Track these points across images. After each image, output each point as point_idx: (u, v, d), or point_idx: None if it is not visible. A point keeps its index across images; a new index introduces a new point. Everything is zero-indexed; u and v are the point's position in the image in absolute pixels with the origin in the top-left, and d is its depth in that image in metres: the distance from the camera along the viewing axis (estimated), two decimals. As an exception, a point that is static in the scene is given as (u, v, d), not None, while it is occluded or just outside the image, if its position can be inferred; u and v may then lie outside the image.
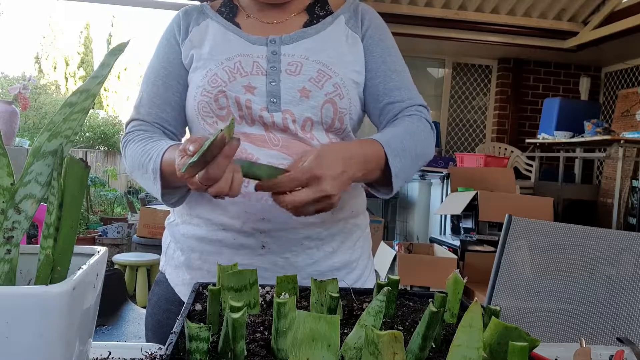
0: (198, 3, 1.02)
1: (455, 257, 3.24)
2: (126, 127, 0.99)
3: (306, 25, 0.97)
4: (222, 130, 0.66)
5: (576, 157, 4.92)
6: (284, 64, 0.91)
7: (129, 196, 5.83)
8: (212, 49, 0.93)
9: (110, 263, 3.98)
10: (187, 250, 0.95)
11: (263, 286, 0.72)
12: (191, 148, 0.69)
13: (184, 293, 0.96)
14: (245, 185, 0.88)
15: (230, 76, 0.90)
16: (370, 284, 1.01)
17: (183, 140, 1.04)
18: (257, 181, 0.76)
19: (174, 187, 0.88)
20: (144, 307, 1.05)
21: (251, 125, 0.90)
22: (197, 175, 0.70)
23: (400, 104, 0.96)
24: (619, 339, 0.84)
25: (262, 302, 0.69)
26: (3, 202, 0.46)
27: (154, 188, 0.86)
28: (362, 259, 1.01)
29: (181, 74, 0.97)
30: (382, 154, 0.84)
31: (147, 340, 1.00)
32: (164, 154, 0.84)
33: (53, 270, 0.47)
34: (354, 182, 0.81)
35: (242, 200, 0.88)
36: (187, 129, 1.02)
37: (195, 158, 0.67)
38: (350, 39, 0.97)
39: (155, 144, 0.88)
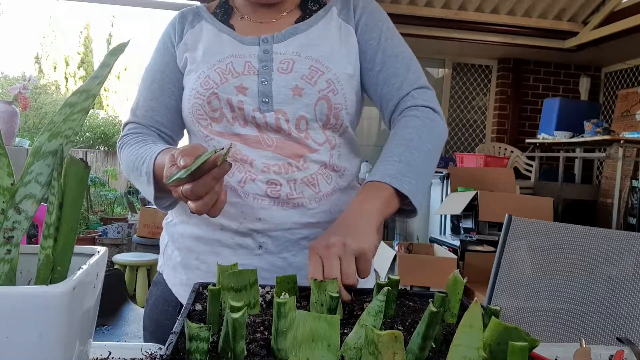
0: (196, 4, 1.02)
1: (455, 257, 3.24)
2: (122, 129, 0.99)
3: (299, 21, 0.96)
4: (216, 150, 0.66)
5: (576, 157, 4.93)
6: (275, 63, 0.90)
7: (129, 196, 5.83)
8: (205, 52, 0.93)
9: (110, 263, 3.98)
10: (184, 250, 0.95)
11: (263, 286, 0.72)
12: (182, 162, 0.68)
13: (180, 294, 0.95)
14: (241, 186, 0.88)
15: (222, 77, 0.89)
16: (370, 284, 1.01)
17: (179, 144, 1.04)
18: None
19: (167, 191, 0.88)
20: (144, 307, 1.05)
21: (244, 127, 0.89)
22: (181, 187, 0.69)
23: (397, 93, 0.94)
24: (619, 339, 0.84)
25: (262, 302, 0.69)
26: (3, 202, 0.46)
27: (148, 191, 0.86)
28: None
29: (177, 77, 0.97)
30: (390, 190, 0.82)
31: (145, 340, 1.00)
32: (156, 157, 0.83)
33: (53, 270, 0.47)
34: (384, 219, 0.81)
35: (238, 200, 0.88)
36: (184, 131, 1.03)
37: (183, 174, 0.66)
38: (343, 30, 0.95)
39: (149, 148, 0.87)
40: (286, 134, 0.89)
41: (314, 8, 0.97)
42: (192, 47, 0.95)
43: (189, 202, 0.71)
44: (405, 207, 0.86)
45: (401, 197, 0.83)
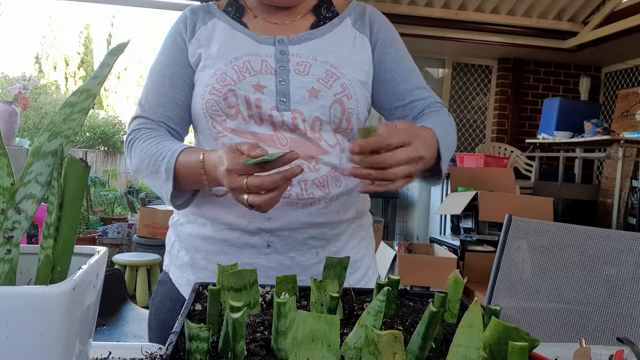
0: (196, 3, 1.02)
1: (455, 257, 3.24)
2: (130, 124, 0.98)
3: (313, 26, 0.98)
4: (293, 150, 0.69)
5: (576, 157, 4.92)
6: (292, 64, 0.92)
7: (129, 196, 5.83)
8: (221, 48, 0.93)
9: (110, 263, 3.98)
10: (191, 250, 0.95)
11: (263, 286, 0.72)
12: (258, 152, 0.71)
13: (188, 293, 0.96)
14: None
15: (240, 75, 0.90)
16: (373, 283, 1.01)
17: (185, 141, 1.04)
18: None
19: (184, 190, 0.88)
20: (144, 307, 1.05)
21: (260, 125, 0.90)
22: (246, 179, 0.71)
23: (423, 102, 0.99)
24: (619, 339, 0.84)
25: (262, 302, 0.69)
26: (3, 202, 0.46)
27: (164, 188, 0.86)
28: (366, 259, 1.02)
29: (187, 73, 0.97)
30: (435, 139, 0.84)
31: (150, 341, 0.99)
32: (179, 154, 0.84)
33: (53, 270, 0.47)
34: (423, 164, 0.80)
35: None
36: (190, 128, 1.02)
37: (268, 157, 0.69)
38: (358, 39, 0.98)
39: (169, 144, 0.88)
40: (302, 134, 0.90)
41: (327, 15, 1.00)
42: (206, 44, 0.95)
43: (246, 195, 0.72)
44: (428, 173, 0.88)
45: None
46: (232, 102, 0.90)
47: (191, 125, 1.02)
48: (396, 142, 0.73)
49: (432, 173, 0.89)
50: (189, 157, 0.83)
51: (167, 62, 0.97)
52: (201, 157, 0.80)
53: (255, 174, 0.71)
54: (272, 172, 0.71)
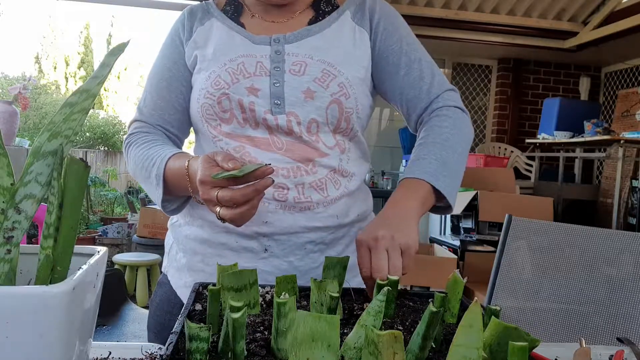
0: (197, 3, 1.01)
1: (455, 257, 3.24)
2: (129, 127, 0.98)
3: (311, 22, 0.95)
4: (268, 164, 0.69)
5: (576, 157, 4.92)
6: (287, 64, 0.89)
7: (129, 196, 5.82)
8: (216, 50, 0.92)
9: (110, 263, 3.98)
10: (189, 252, 0.94)
11: (263, 286, 0.72)
12: (230, 165, 0.70)
13: (185, 295, 0.95)
14: None
15: (233, 78, 0.88)
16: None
17: (185, 144, 1.04)
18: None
19: (175, 195, 0.88)
20: (144, 307, 1.05)
21: (255, 129, 0.89)
22: (217, 192, 0.70)
23: (427, 96, 0.96)
24: (619, 339, 0.84)
25: (262, 302, 0.69)
26: (3, 202, 0.46)
27: (155, 193, 0.86)
28: None
29: (185, 75, 0.95)
30: (428, 187, 0.85)
31: (149, 341, 0.99)
32: (167, 160, 0.84)
33: (53, 270, 0.47)
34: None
35: None
36: (191, 130, 1.02)
37: (238, 173, 0.68)
38: (357, 33, 0.95)
39: (159, 149, 0.87)
40: (297, 137, 0.88)
41: (326, 9, 0.96)
42: (202, 45, 0.94)
43: (219, 208, 0.71)
44: (439, 204, 0.89)
45: (437, 194, 0.86)
46: (226, 106, 0.88)
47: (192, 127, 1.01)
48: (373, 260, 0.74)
49: (439, 207, 0.90)
50: (176, 163, 0.83)
51: (165, 64, 0.96)
52: (186, 164, 0.80)
53: (229, 187, 0.70)
54: (243, 185, 0.70)
